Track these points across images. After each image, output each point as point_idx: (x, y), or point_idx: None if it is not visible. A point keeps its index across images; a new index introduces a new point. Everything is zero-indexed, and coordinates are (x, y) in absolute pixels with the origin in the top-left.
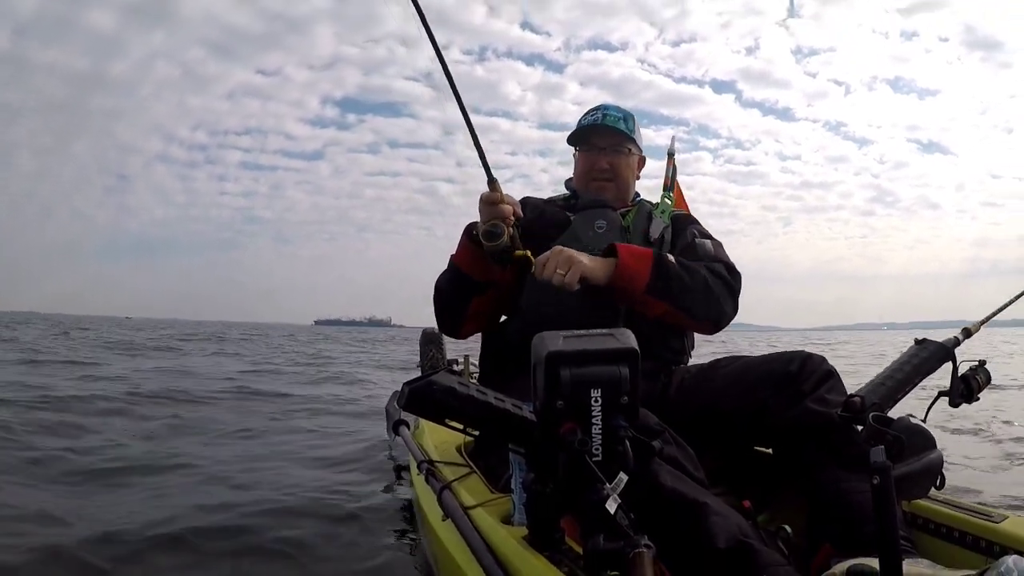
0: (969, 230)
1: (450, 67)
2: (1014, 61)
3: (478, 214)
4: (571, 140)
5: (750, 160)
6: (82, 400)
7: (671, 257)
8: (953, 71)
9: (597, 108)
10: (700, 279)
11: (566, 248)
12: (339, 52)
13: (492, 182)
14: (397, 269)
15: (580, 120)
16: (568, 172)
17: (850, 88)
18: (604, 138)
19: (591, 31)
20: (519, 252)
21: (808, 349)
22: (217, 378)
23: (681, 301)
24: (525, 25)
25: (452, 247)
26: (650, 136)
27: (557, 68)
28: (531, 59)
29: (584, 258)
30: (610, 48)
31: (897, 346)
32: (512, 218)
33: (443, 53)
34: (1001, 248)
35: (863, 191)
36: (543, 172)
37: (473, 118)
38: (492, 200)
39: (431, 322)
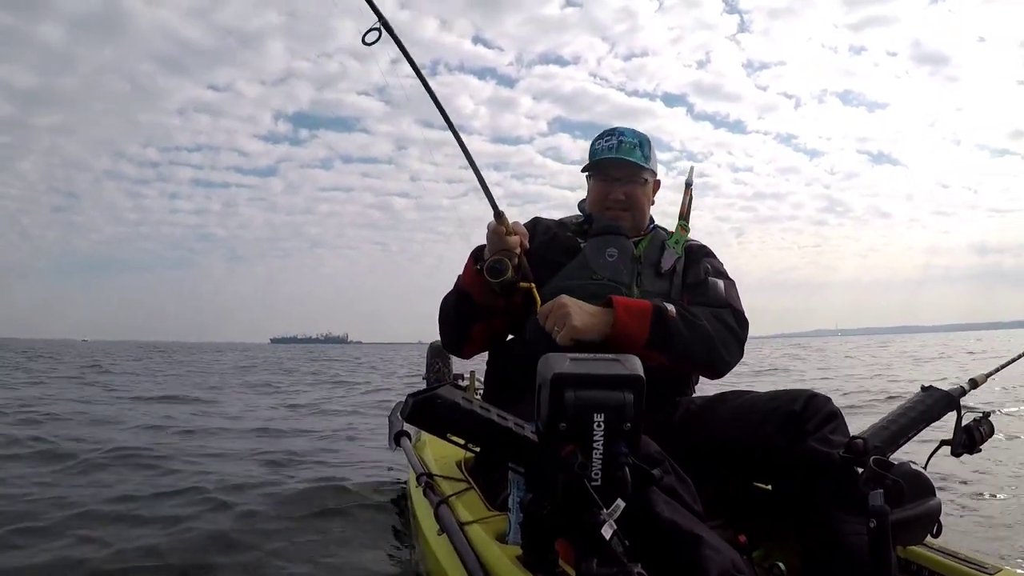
0: (920, 238)
1: (403, 81)
2: (960, 75)
3: (431, 228)
4: (586, 170)
5: (703, 172)
6: None
7: (672, 309)
8: (901, 84)
9: (612, 133)
10: (702, 331)
11: (568, 301)
12: (291, 67)
13: (499, 215)
14: (352, 285)
15: (594, 144)
16: (579, 194)
17: (800, 101)
18: (620, 169)
19: (543, 46)
20: (523, 285)
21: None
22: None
23: (680, 354)
24: (477, 40)
25: (406, 262)
26: None
27: (509, 82)
28: (483, 73)
29: (577, 318)
30: (562, 62)
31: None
32: (519, 249)
33: (397, 68)
34: (952, 255)
35: (815, 201)
36: (497, 186)
37: (426, 133)
38: (499, 233)
39: (388, 338)
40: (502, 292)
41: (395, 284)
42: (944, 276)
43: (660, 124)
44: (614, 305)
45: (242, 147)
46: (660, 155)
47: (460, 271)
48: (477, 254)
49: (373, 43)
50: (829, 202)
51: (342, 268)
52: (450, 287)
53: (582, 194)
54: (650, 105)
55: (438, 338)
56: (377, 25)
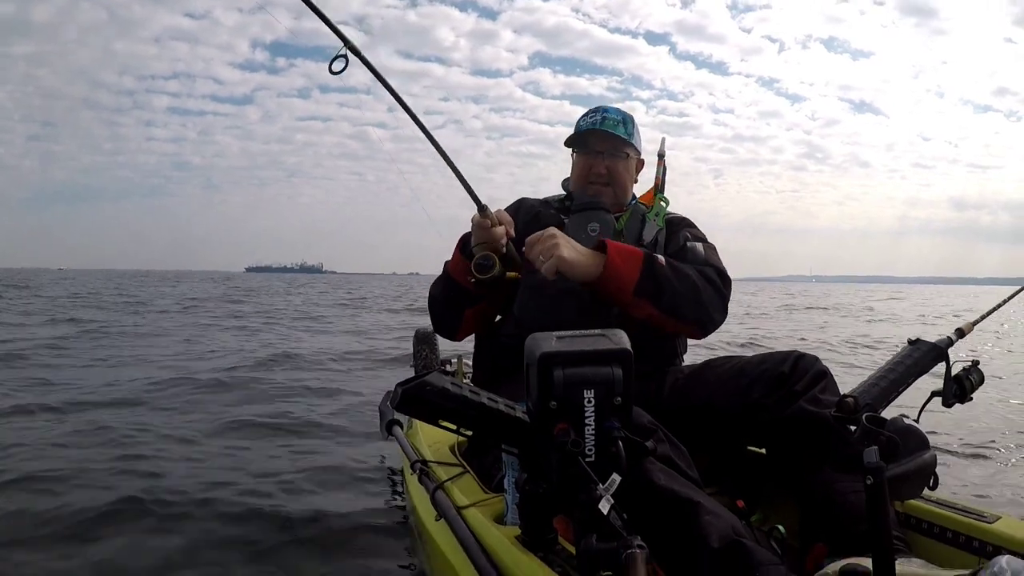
0: (900, 189)
1: (383, 12)
2: (948, 28)
3: (408, 160)
4: (569, 143)
5: (683, 112)
6: None
7: (661, 259)
8: (887, 34)
9: (596, 110)
10: (689, 282)
11: (559, 234)
12: None
13: (482, 209)
14: (328, 215)
15: (578, 122)
16: (564, 172)
17: (784, 45)
18: (602, 142)
19: None
20: (511, 274)
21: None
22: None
23: (669, 304)
24: None
25: (383, 192)
26: (583, 85)
27: (491, 15)
28: (464, 5)
29: (566, 250)
30: None
31: (820, 294)
32: (504, 239)
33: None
34: (932, 208)
35: (795, 147)
36: (475, 119)
37: (405, 64)
38: (483, 226)
39: (362, 268)
40: (490, 286)
41: (372, 215)
42: (922, 228)
43: (642, 62)
44: (606, 247)
45: (219, 75)
46: (640, 92)
47: (434, 199)
48: (465, 241)
49: (341, 71)
50: (809, 148)
51: (319, 198)
52: (423, 220)
53: (562, 130)
54: (632, 43)
55: (361, 271)
56: (344, 52)
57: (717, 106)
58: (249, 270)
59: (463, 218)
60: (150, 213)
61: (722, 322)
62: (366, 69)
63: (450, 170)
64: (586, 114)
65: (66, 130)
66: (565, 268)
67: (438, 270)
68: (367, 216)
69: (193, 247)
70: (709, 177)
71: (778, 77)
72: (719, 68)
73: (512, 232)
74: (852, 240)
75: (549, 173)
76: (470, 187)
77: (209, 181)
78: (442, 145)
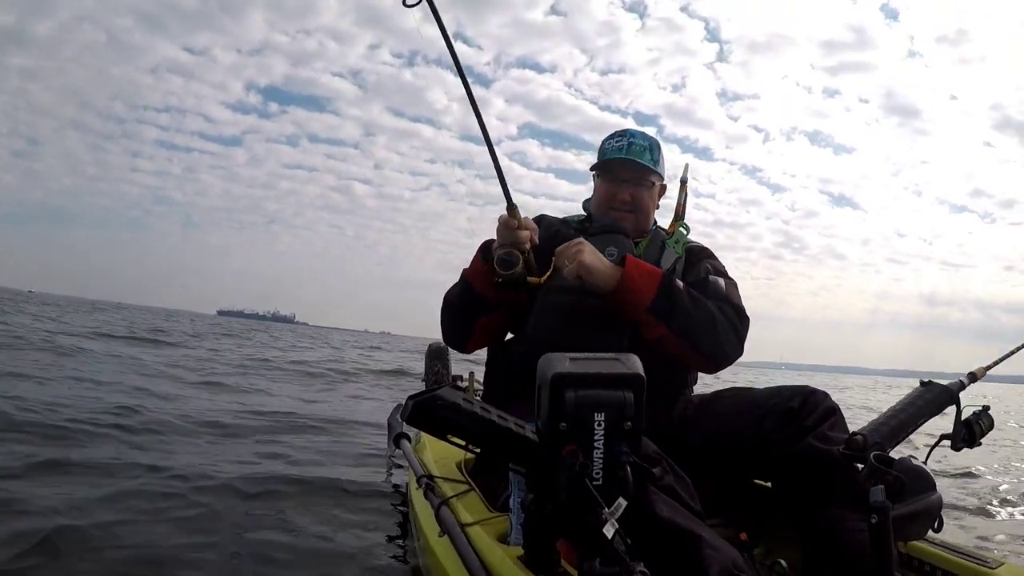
0: (872, 283)
1: (378, 68)
2: (930, 130)
3: (389, 218)
4: (594, 168)
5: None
6: None
7: (680, 283)
8: (870, 132)
9: (623, 134)
10: (706, 312)
11: (585, 242)
12: (269, 39)
13: (512, 207)
14: (304, 265)
15: (604, 144)
16: (586, 192)
17: (769, 135)
18: (628, 171)
19: (522, 49)
20: (532, 279)
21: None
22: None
23: (681, 327)
24: (458, 36)
25: (360, 248)
26: (570, 160)
27: (485, 82)
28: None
29: (589, 256)
30: (539, 69)
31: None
32: (528, 244)
33: (375, 53)
34: (902, 303)
35: (773, 235)
36: (460, 184)
37: (397, 122)
38: (510, 226)
39: (335, 323)
40: (510, 286)
41: (348, 270)
42: (892, 322)
43: None
44: (626, 261)
45: (210, 113)
46: None
47: (412, 262)
48: (485, 247)
49: (415, 5)
50: (786, 237)
51: (296, 247)
52: (399, 280)
53: (545, 202)
54: (622, 121)
55: (333, 325)
56: None
57: (699, 191)
58: (221, 313)
59: (440, 281)
60: (126, 245)
61: (736, 358)
62: (433, 19)
63: (491, 160)
64: (612, 137)
65: (51, 149)
66: (585, 273)
67: (411, 330)
68: (342, 270)
69: (165, 284)
70: None
71: (761, 166)
72: (704, 153)
73: (536, 239)
74: (824, 330)
75: None
76: (505, 182)
77: (189, 219)
78: (427, 207)
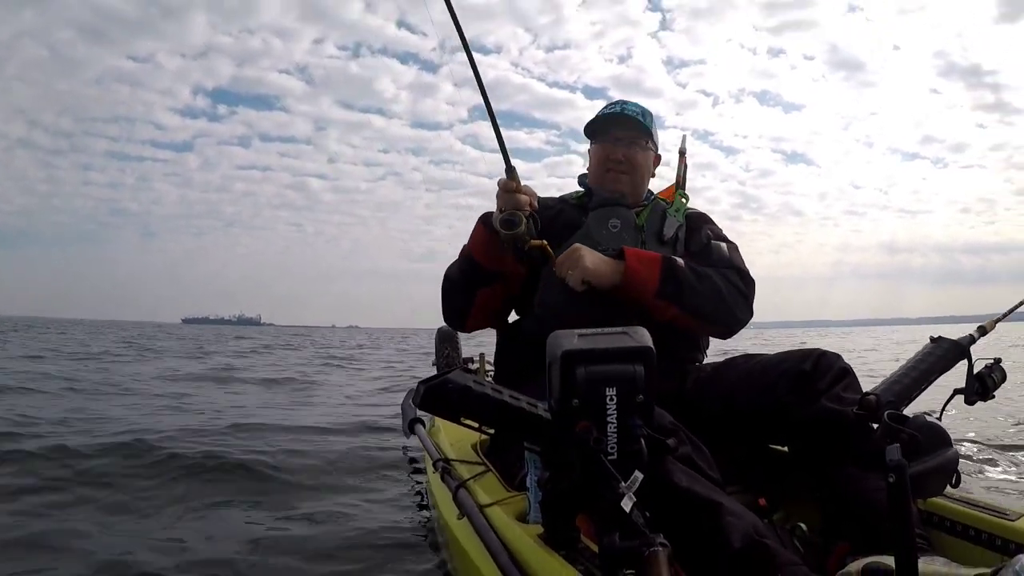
0: (832, 236)
1: (324, 62)
2: (876, 81)
3: (347, 211)
4: (588, 129)
5: None
6: None
7: (681, 262)
8: (818, 88)
9: (616, 102)
10: (711, 284)
11: (582, 247)
12: (213, 41)
13: (510, 170)
14: (266, 266)
15: (597, 114)
16: (579, 168)
17: (718, 99)
18: (622, 129)
19: (467, 33)
20: (535, 241)
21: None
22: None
23: (692, 306)
24: (401, 24)
25: (320, 244)
26: (522, 139)
27: (431, 68)
28: (406, 58)
29: (589, 260)
30: (484, 51)
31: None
32: (528, 208)
33: (320, 47)
34: (863, 253)
35: (730, 197)
36: (415, 171)
37: (346, 114)
38: (509, 188)
39: (302, 321)
40: (514, 247)
41: (311, 266)
42: (854, 273)
43: (580, 115)
44: (625, 254)
45: (159, 120)
46: (578, 146)
47: (374, 252)
48: (485, 219)
49: None
50: (744, 198)
51: (257, 249)
52: (361, 272)
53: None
54: (571, 96)
55: (301, 324)
56: None
57: None
58: (186, 321)
59: (403, 270)
60: (83, 260)
61: (747, 321)
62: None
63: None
64: (606, 105)
65: (0, 171)
66: (590, 276)
67: (378, 321)
68: (305, 267)
69: (127, 296)
70: None
71: (713, 130)
72: (655, 121)
73: (535, 204)
74: (787, 287)
75: None
76: (503, 143)
77: (146, 228)
78: (383, 197)
